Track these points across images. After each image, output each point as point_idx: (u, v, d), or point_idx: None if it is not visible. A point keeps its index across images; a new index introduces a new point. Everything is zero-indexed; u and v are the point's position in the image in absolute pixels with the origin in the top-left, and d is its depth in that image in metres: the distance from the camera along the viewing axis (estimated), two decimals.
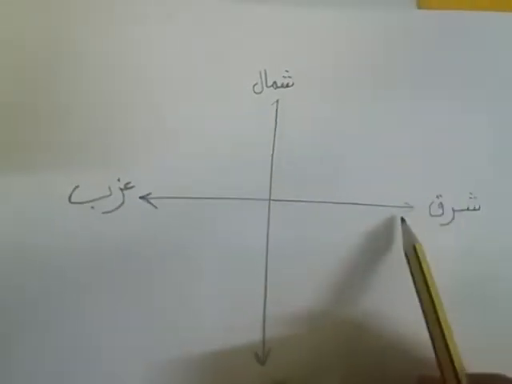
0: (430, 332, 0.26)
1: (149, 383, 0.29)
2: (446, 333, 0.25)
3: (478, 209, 0.32)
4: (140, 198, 0.29)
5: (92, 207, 0.29)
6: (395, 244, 0.31)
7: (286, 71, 0.31)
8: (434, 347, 0.26)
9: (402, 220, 0.31)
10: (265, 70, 0.31)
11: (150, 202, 0.29)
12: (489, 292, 0.32)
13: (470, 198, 0.32)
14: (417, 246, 0.28)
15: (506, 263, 0.32)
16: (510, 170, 0.33)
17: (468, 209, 0.32)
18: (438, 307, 0.26)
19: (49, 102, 0.29)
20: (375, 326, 0.31)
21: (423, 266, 0.28)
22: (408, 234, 0.30)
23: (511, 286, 0.32)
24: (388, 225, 0.32)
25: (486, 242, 0.32)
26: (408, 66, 0.33)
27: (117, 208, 0.29)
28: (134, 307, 0.29)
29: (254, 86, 0.31)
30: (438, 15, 0.34)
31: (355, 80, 0.32)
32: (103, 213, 0.29)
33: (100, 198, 0.29)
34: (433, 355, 0.26)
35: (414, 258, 0.28)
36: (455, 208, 0.32)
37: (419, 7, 0.34)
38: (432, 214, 0.32)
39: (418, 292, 0.28)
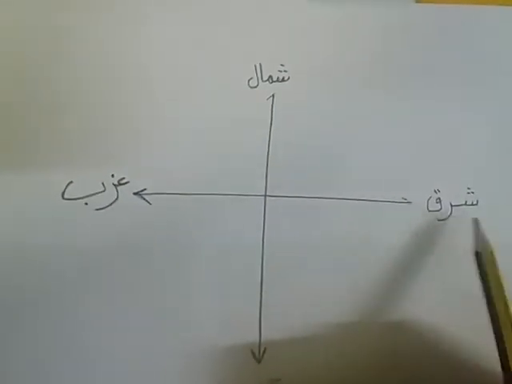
0: (499, 336, 0.28)
1: (146, 381, 0.28)
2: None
3: (476, 204, 0.32)
4: (134, 194, 0.29)
5: (85, 203, 0.28)
6: (393, 241, 0.31)
7: (282, 65, 0.31)
8: (503, 350, 0.27)
9: (475, 221, 0.31)
10: (260, 64, 0.31)
11: (144, 198, 0.29)
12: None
13: (468, 192, 0.32)
14: (494, 252, 0.29)
15: (503, 258, 0.32)
16: (507, 165, 0.33)
17: (466, 204, 0.32)
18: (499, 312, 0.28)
19: (42, 99, 0.29)
20: (375, 327, 0.31)
21: (499, 271, 0.29)
22: (481, 236, 0.31)
23: (509, 280, 0.32)
24: (387, 221, 0.31)
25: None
26: (406, 61, 0.33)
27: (110, 204, 0.28)
28: (127, 304, 0.29)
29: (249, 80, 0.31)
30: (437, 10, 0.33)
31: (352, 74, 0.32)
32: (97, 209, 0.28)
33: (93, 194, 0.28)
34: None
35: (491, 262, 0.29)
36: (453, 203, 0.32)
37: (417, 1, 0.34)
38: (430, 209, 0.32)
39: (488, 295, 0.29)
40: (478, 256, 0.30)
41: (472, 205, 0.32)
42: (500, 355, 0.27)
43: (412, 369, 0.31)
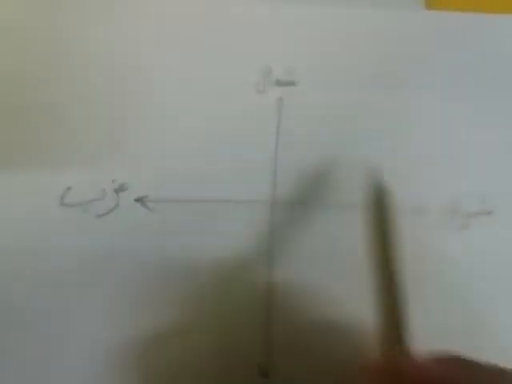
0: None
1: None
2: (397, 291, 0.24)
3: (492, 212, 0.31)
4: (135, 200, 0.28)
5: (85, 210, 0.27)
6: (407, 248, 0.30)
7: (290, 69, 0.30)
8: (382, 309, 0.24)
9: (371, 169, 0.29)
10: (268, 68, 0.30)
11: (145, 205, 0.28)
12: (504, 294, 0.30)
13: (484, 201, 0.31)
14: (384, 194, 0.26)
15: None
16: None
17: (482, 212, 0.31)
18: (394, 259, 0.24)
19: (42, 101, 0.28)
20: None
21: (386, 216, 0.26)
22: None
23: None
24: (400, 228, 0.30)
25: (501, 246, 0.31)
26: (416, 68, 0.32)
27: (111, 211, 0.28)
28: (127, 313, 0.28)
29: (257, 83, 0.30)
30: (448, 17, 0.33)
31: (362, 79, 0.31)
32: (96, 216, 0.27)
33: (93, 201, 0.28)
34: None
35: (376, 206, 0.26)
36: (468, 212, 0.31)
37: (427, 8, 0.33)
38: (445, 217, 0.31)
39: (374, 242, 0.25)
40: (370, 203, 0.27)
41: (488, 213, 0.31)
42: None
43: None
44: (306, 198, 0.30)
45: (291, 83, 0.30)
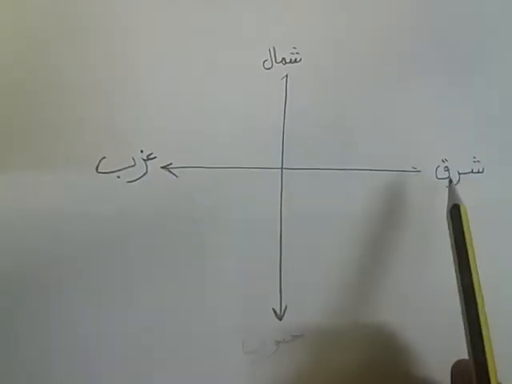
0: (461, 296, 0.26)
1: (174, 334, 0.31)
2: (477, 299, 0.25)
3: (482, 171, 0.34)
4: (161, 167, 0.31)
5: (118, 177, 0.30)
6: (405, 207, 0.33)
7: (294, 48, 0.33)
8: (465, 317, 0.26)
9: (450, 181, 0.33)
10: (274, 48, 0.33)
11: (170, 172, 0.31)
12: (493, 250, 0.33)
13: (474, 161, 0.34)
14: (461, 207, 0.28)
15: (507, 223, 0.34)
16: (509, 134, 0.35)
17: (472, 171, 0.34)
18: (473, 269, 0.26)
19: (72, 77, 0.30)
20: (389, 282, 0.33)
21: (464, 227, 0.28)
22: (452, 195, 0.31)
23: None
24: (398, 189, 0.33)
25: (491, 203, 0.34)
26: (418, 40, 0.34)
27: (140, 177, 0.31)
28: (158, 273, 0.31)
29: (264, 62, 0.33)
30: None
31: (362, 50, 0.33)
32: (128, 182, 0.30)
33: (125, 168, 0.30)
34: None
35: (456, 218, 0.28)
36: (460, 171, 0.34)
37: None
38: (438, 177, 0.33)
39: (454, 254, 0.28)
40: (449, 215, 0.29)
41: (478, 172, 0.34)
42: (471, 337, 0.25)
43: None
44: (312, 163, 0.33)
45: (296, 61, 0.33)
